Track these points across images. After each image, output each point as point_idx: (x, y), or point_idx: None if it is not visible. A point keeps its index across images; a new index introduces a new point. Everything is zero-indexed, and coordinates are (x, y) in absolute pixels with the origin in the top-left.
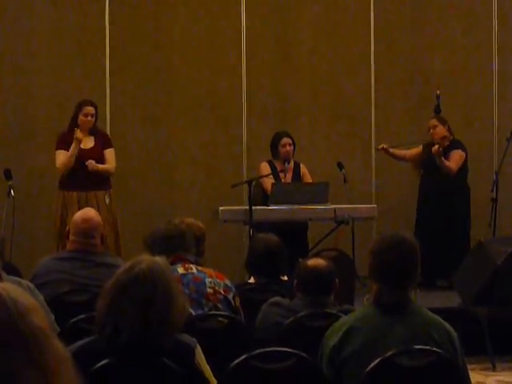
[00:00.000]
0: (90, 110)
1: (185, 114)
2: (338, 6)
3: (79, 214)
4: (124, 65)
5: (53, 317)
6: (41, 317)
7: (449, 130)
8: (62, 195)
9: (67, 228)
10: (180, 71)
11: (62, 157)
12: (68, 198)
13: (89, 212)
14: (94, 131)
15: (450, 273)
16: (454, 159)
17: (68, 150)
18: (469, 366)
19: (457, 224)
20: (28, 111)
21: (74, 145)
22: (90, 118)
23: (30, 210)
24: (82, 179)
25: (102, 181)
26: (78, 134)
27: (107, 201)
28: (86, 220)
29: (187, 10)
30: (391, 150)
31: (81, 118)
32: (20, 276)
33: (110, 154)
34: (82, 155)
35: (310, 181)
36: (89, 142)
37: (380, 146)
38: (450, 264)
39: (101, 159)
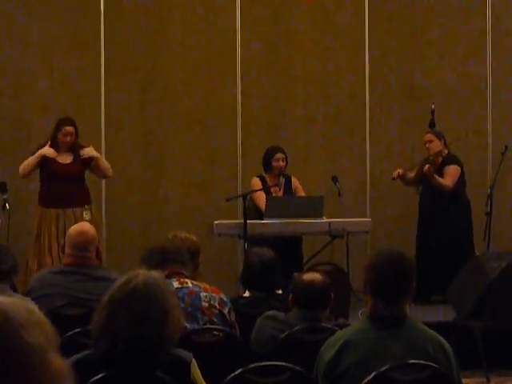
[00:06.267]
0: (70, 130)
1: (179, 128)
2: (333, 20)
3: (74, 228)
4: (119, 73)
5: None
6: (39, 331)
7: (445, 144)
8: (39, 211)
9: (62, 242)
10: (174, 86)
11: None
12: (46, 215)
13: (83, 226)
14: (73, 148)
15: (446, 287)
16: (450, 175)
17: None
18: (463, 380)
19: (456, 238)
20: (24, 120)
21: (37, 154)
22: (69, 137)
23: (24, 224)
24: (60, 196)
25: (80, 197)
26: (52, 153)
27: (86, 217)
28: (80, 233)
29: (183, 22)
30: (407, 175)
31: (60, 137)
32: (15, 289)
33: (101, 160)
34: (60, 170)
35: (303, 194)
36: (67, 158)
37: (395, 174)
38: (448, 278)
39: (79, 175)
